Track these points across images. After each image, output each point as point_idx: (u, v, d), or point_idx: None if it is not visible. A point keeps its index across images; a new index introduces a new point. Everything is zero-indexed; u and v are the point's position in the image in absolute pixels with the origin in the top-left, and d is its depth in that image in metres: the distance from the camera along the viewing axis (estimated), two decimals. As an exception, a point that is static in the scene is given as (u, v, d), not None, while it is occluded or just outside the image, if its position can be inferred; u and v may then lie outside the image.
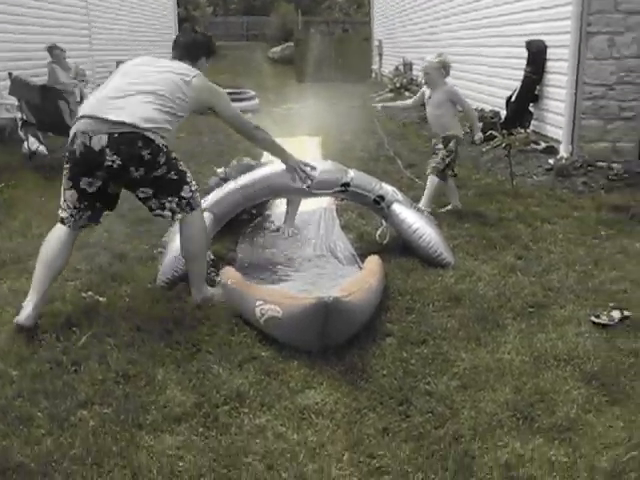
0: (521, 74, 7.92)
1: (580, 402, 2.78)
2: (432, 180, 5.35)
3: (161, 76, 3.64)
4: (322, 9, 37.02)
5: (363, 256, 4.35)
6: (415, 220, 4.49)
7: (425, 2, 13.96)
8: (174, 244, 4.06)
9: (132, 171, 3.44)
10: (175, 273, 4.03)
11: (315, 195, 4.54)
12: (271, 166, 4.50)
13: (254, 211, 5.16)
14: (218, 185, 4.78)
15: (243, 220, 5.06)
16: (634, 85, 6.83)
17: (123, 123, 3.38)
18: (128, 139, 3.39)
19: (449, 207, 5.52)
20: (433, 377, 2.99)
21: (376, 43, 21.24)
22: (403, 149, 8.19)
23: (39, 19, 11.55)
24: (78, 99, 10.47)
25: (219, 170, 5.41)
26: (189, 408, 2.79)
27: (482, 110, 9.15)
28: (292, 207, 5.10)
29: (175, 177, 3.59)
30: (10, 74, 7.45)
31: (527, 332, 3.41)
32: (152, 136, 3.43)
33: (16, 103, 7.85)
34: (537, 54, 7.73)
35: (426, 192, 5.38)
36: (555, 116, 7.43)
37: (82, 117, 3.49)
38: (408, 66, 15.59)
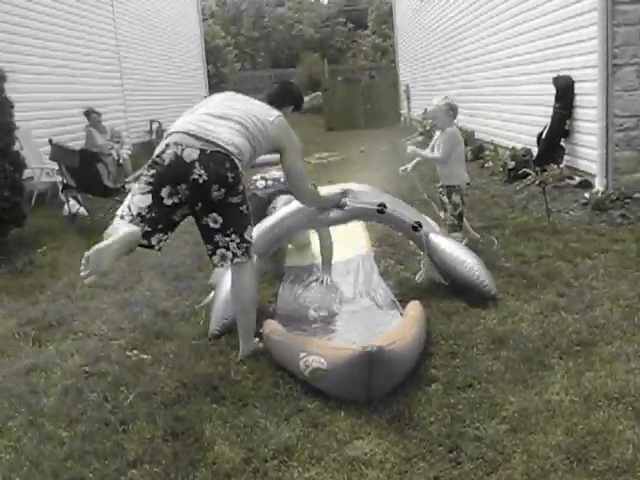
0: (550, 110, 7.93)
1: (635, 442, 2.71)
2: (456, 237, 5.10)
3: (248, 111, 3.78)
4: (347, 57, 37.61)
5: (404, 302, 4.34)
6: (455, 248, 4.52)
7: (451, 44, 14.12)
8: (222, 291, 4.11)
9: (214, 189, 3.50)
10: (225, 321, 4.08)
11: (353, 216, 4.58)
12: None
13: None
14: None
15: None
16: (665, 114, 6.80)
17: (215, 143, 3.51)
18: (218, 158, 3.50)
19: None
20: (482, 422, 2.95)
21: (403, 88, 21.47)
22: (436, 193, 8.17)
23: (77, 85, 11.96)
24: (116, 159, 10.80)
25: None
26: (238, 464, 2.79)
27: (514, 148, 9.17)
28: (325, 253, 5.15)
29: (246, 212, 3.68)
30: (50, 140, 7.69)
31: (575, 371, 3.35)
32: (238, 163, 3.56)
33: (56, 168, 8.09)
34: (565, 90, 7.74)
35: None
36: (588, 150, 7.40)
37: (175, 132, 3.60)
38: (437, 108, 15.68)
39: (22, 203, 6.62)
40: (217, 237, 3.64)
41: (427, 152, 5.50)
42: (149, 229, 3.52)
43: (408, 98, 20.58)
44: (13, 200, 6.43)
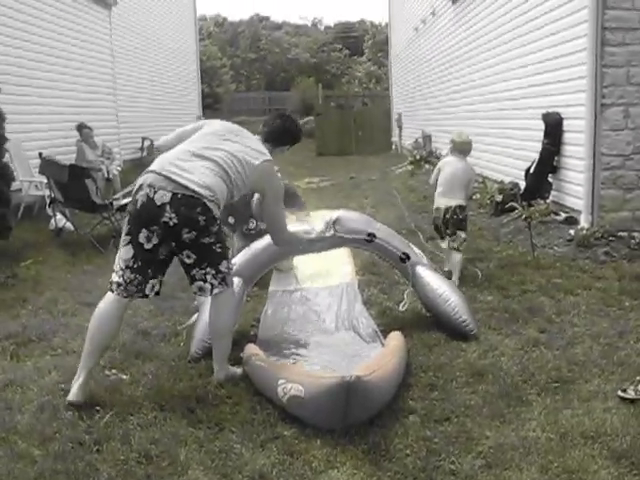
0: (539, 146, 8.02)
1: (609, 482, 2.72)
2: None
3: (233, 152, 3.75)
4: (342, 83, 37.91)
5: (385, 332, 4.35)
6: (440, 285, 4.52)
7: (444, 75, 14.27)
8: (204, 314, 4.11)
9: (184, 232, 3.52)
10: (205, 344, 4.07)
11: (341, 244, 4.58)
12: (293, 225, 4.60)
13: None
14: None
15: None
16: (651, 155, 6.89)
17: (187, 187, 3.51)
18: (189, 202, 3.50)
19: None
20: (457, 456, 2.95)
21: (395, 116, 21.62)
22: (423, 222, 8.23)
23: (68, 100, 11.97)
24: (106, 175, 10.79)
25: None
26: (211, 489, 2.77)
27: (502, 182, 9.24)
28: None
29: (219, 250, 3.66)
30: (40, 154, 7.68)
31: (552, 408, 3.36)
32: (210, 205, 3.54)
33: (45, 181, 8.07)
34: (554, 126, 7.83)
35: (456, 269, 5.59)
36: (574, 187, 7.48)
37: (151, 171, 3.61)
38: (427, 138, 15.83)
39: (8, 215, 6.59)
40: (193, 271, 3.68)
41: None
42: (141, 278, 3.62)
43: (400, 127, 20.72)
44: (0, 212, 6.40)
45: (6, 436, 3.22)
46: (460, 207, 5.65)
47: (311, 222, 4.67)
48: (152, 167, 3.66)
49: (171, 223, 3.49)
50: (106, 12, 14.22)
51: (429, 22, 15.67)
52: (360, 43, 41.74)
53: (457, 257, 5.64)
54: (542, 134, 7.97)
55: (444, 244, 5.81)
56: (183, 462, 2.97)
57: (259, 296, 5.33)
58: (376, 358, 3.60)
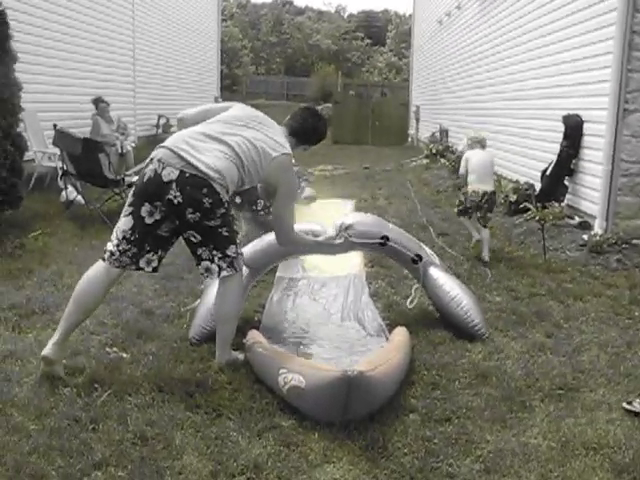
0: (557, 147, 7.92)
1: (609, 496, 2.67)
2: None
3: (251, 138, 3.65)
4: (362, 72, 37.75)
5: (391, 326, 4.32)
6: (453, 287, 4.45)
7: (465, 71, 14.13)
8: (207, 299, 4.08)
9: (188, 212, 3.46)
10: (204, 330, 4.03)
11: (353, 249, 4.52)
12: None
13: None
14: None
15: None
16: (671, 164, 6.79)
17: (196, 167, 3.45)
18: (196, 182, 3.44)
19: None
20: (456, 459, 2.90)
21: (413, 108, 21.49)
22: (435, 217, 8.18)
23: (86, 72, 11.93)
24: (120, 151, 10.76)
25: None
26: (205, 476, 2.74)
27: (517, 182, 9.15)
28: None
29: (226, 234, 3.60)
30: (54, 125, 7.65)
31: (555, 415, 3.31)
32: (218, 188, 3.48)
33: (58, 153, 8.05)
34: (574, 129, 7.73)
35: (488, 242, 6.30)
36: (590, 191, 7.38)
37: (163, 147, 3.57)
38: (444, 133, 15.71)
39: (20, 185, 6.56)
40: (199, 250, 3.62)
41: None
42: (135, 250, 3.58)
43: (417, 119, 20.61)
44: (11, 181, 6.38)
45: (3, 408, 3.20)
46: (494, 192, 6.46)
47: (323, 224, 4.56)
48: (165, 142, 3.61)
49: (175, 201, 3.44)
50: (129, -12, 14.16)
51: (454, 15, 15.50)
52: (382, 33, 41.51)
53: (488, 233, 6.38)
54: (561, 136, 7.87)
55: (469, 222, 6.58)
56: (178, 446, 2.94)
57: (266, 281, 5.29)
58: (380, 353, 3.56)
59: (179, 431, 3.06)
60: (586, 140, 7.63)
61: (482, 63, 12.62)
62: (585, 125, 7.62)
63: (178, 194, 3.43)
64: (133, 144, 12.38)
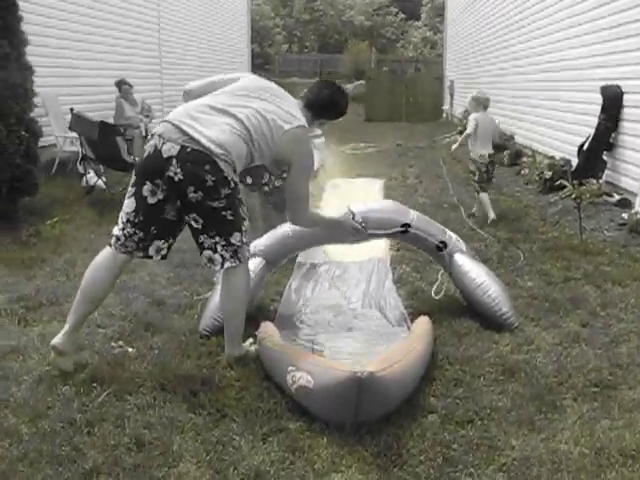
0: (595, 121, 7.51)
1: (649, 512, 2.39)
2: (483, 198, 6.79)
3: (262, 110, 3.38)
4: (396, 48, 37.10)
5: (413, 315, 4.06)
6: (480, 274, 4.17)
7: (499, 43, 13.66)
8: (218, 290, 3.86)
9: (190, 191, 3.21)
10: (216, 322, 3.83)
11: (373, 237, 4.26)
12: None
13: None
14: None
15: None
16: None
17: (198, 141, 3.20)
18: (197, 158, 3.19)
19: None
20: (476, 467, 2.64)
21: (448, 83, 21.02)
22: (467, 195, 7.84)
23: (112, 55, 11.77)
24: (144, 133, 10.60)
25: None
26: (201, 487, 2.53)
27: (552, 157, 8.76)
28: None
29: (230, 218, 3.32)
30: (71, 109, 7.49)
31: (589, 417, 3.01)
32: (222, 165, 3.22)
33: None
34: (613, 100, 7.31)
35: (489, 203, 6.67)
36: (631, 167, 6.98)
37: (165, 121, 3.34)
38: (479, 107, 15.24)
39: (35, 172, 6.39)
40: (201, 238, 3.37)
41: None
42: (142, 235, 3.38)
43: (451, 94, 20.15)
44: (26, 168, 6.22)
45: (-3, 410, 3.04)
46: (495, 154, 6.92)
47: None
48: (168, 116, 3.38)
49: (176, 178, 3.20)
50: (154, -35, 13.93)
51: (488, -15, 14.98)
52: (417, 7, 40.67)
53: (486, 196, 6.73)
54: (599, 108, 7.45)
55: (488, 200, 6.71)
56: (176, 452, 2.74)
57: (285, 267, 5.02)
58: (397, 348, 3.29)
59: (178, 435, 2.87)
60: (626, 112, 7.22)
61: (516, 34, 12.19)
62: (625, 96, 7.21)
63: (178, 170, 3.18)
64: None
